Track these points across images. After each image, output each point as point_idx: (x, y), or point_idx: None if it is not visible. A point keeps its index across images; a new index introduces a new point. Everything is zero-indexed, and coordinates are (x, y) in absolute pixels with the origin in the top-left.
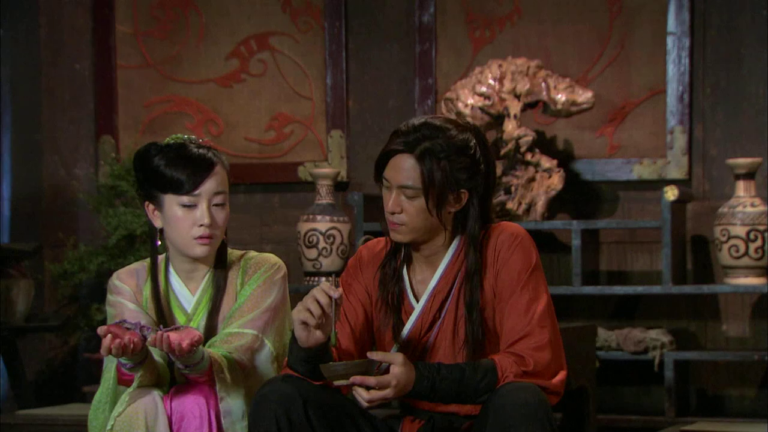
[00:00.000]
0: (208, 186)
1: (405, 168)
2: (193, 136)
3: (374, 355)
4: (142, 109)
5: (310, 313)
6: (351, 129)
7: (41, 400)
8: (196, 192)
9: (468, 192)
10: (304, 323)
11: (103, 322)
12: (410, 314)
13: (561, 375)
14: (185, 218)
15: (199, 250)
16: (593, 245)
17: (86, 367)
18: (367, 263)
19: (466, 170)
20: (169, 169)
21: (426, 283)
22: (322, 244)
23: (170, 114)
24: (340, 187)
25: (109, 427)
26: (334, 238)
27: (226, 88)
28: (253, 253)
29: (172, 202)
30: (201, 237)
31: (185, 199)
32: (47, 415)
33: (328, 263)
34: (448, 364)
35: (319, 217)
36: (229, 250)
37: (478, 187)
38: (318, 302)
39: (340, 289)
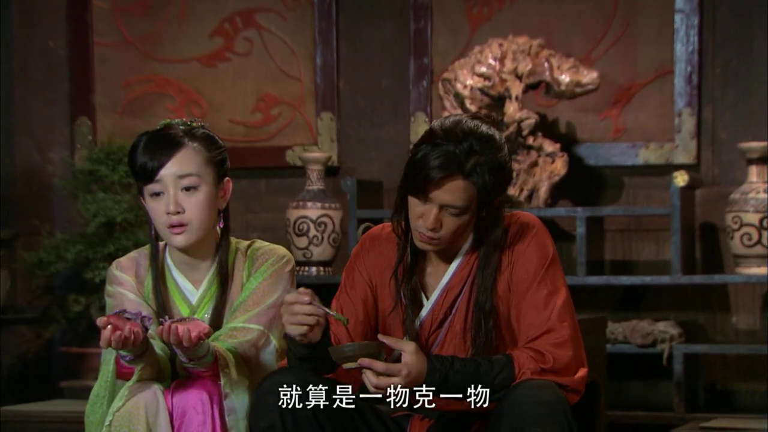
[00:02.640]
0: (170, 169)
1: (454, 189)
2: (180, 119)
3: (385, 339)
4: (120, 90)
5: (303, 326)
6: (342, 111)
7: (15, 396)
8: (158, 178)
9: (499, 198)
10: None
11: (81, 313)
12: (420, 309)
13: (582, 372)
14: (157, 208)
15: (174, 240)
16: (597, 233)
17: (63, 361)
18: (370, 252)
19: (506, 179)
20: (137, 158)
21: (436, 276)
22: (312, 233)
23: (150, 95)
24: (330, 172)
25: (107, 422)
26: (326, 225)
27: (209, 68)
28: (260, 243)
29: (146, 192)
30: (172, 226)
31: (151, 187)
32: (31, 412)
33: (319, 252)
34: (462, 358)
35: (309, 204)
36: (235, 240)
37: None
38: (309, 314)
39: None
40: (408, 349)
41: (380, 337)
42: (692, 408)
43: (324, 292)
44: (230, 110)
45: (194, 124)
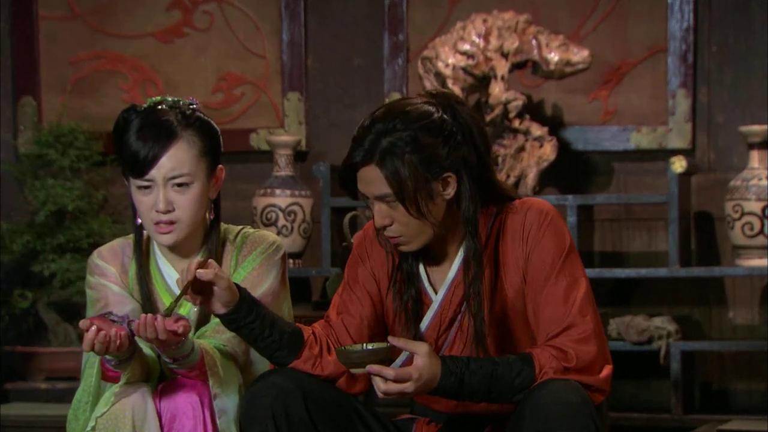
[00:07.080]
0: (162, 168)
1: (372, 179)
2: (172, 99)
3: (395, 341)
4: (68, 67)
5: None
6: (310, 91)
7: None
8: (148, 176)
9: (454, 173)
10: None
11: (28, 310)
12: (428, 307)
13: (607, 370)
14: (144, 202)
15: (161, 239)
16: (587, 223)
17: (7, 361)
18: (373, 242)
19: (440, 152)
20: (129, 145)
21: (444, 272)
22: (281, 222)
23: (101, 72)
24: (297, 157)
25: (89, 428)
26: (296, 214)
27: (166, 44)
28: (248, 230)
29: (132, 182)
30: (158, 223)
31: (139, 181)
32: None
33: (288, 243)
34: (479, 358)
35: (278, 191)
36: (224, 227)
37: (465, 163)
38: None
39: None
40: (420, 351)
41: (390, 339)
42: (689, 409)
43: (294, 286)
44: (189, 90)
45: (185, 104)
